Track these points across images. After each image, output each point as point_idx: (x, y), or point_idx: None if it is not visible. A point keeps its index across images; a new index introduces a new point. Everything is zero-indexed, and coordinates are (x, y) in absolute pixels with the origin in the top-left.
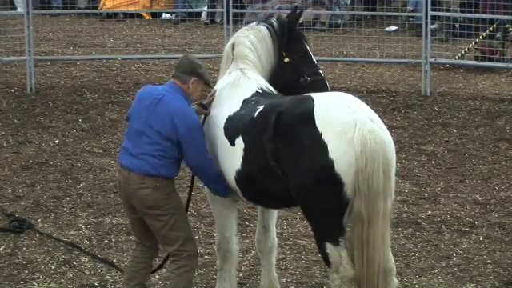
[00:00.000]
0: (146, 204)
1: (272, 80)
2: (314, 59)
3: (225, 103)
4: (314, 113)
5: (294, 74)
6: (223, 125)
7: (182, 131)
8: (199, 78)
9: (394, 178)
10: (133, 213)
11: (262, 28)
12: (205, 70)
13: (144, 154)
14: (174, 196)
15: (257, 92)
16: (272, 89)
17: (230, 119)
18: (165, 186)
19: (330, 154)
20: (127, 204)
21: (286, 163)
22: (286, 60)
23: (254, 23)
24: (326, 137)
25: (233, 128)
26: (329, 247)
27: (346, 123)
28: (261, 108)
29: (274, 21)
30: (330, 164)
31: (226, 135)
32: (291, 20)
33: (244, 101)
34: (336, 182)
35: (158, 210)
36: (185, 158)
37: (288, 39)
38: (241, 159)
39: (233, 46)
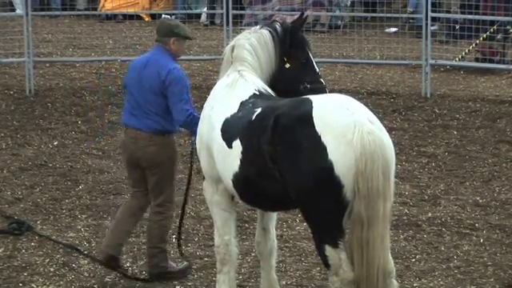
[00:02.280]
0: (152, 161)
1: (273, 85)
2: (315, 66)
3: (222, 105)
4: (313, 115)
5: (294, 80)
6: (220, 127)
7: (167, 83)
8: (177, 36)
9: (393, 179)
10: (135, 168)
11: (265, 32)
12: (181, 28)
13: (148, 114)
14: (175, 158)
15: (254, 94)
16: (270, 90)
17: (227, 121)
18: (169, 145)
19: (329, 156)
20: (131, 161)
21: (285, 165)
22: (287, 66)
23: (257, 27)
24: (325, 139)
25: (230, 130)
26: (328, 250)
27: (345, 125)
28: (259, 110)
29: (277, 25)
30: (329, 166)
31: (224, 137)
32: (295, 25)
33: (241, 103)
34: (335, 183)
35: (160, 168)
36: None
37: (290, 45)
38: (238, 162)
39: (232, 48)
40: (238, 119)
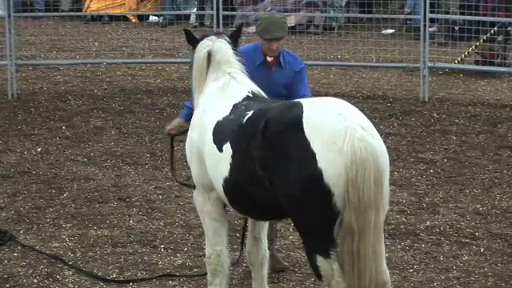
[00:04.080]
0: None
1: None
2: None
3: (214, 108)
4: (303, 120)
5: None
6: (212, 130)
7: None
8: (257, 33)
9: (386, 187)
10: None
11: (224, 41)
12: (262, 26)
13: None
14: None
15: (247, 96)
16: (262, 93)
17: (218, 124)
18: None
19: (318, 164)
20: None
21: (274, 172)
22: None
23: (213, 36)
24: (315, 145)
25: (221, 133)
26: (319, 260)
27: (335, 131)
28: (250, 113)
29: (226, 38)
30: (318, 174)
31: (215, 141)
32: (235, 37)
33: (234, 105)
34: (325, 192)
35: None
36: None
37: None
38: (229, 166)
39: (209, 53)
40: (230, 122)
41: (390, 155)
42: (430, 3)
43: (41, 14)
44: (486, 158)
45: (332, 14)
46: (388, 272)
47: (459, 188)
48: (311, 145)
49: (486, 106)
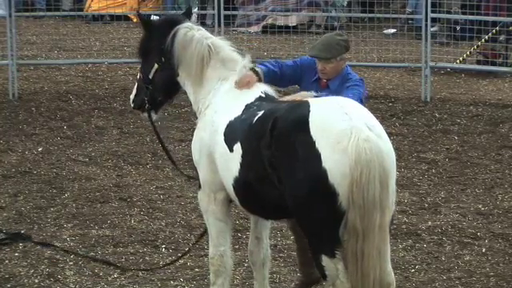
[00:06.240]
0: None
1: None
2: None
3: (226, 108)
4: (309, 119)
5: None
6: (223, 130)
7: None
8: None
9: (392, 188)
10: None
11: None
12: (313, 43)
13: None
14: None
15: (260, 97)
16: (274, 93)
17: (230, 124)
18: None
19: (323, 164)
20: None
21: (281, 171)
22: None
23: (190, 24)
24: (320, 145)
25: (232, 133)
26: (324, 260)
27: (340, 131)
28: (261, 113)
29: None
30: (322, 174)
31: (226, 141)
32: None
33: (246, 106)
34: (330, 192)
35: None
36: None
37: None
38: (239, 166)
39: (209, 48)
40: (241, 122)
41: None
42: (432, 3)
43: (42, 13)
44: (488, 158)
45: (334, 13)
46: (393, 273)
47: (461, 188)
48: (316, 144)
49: (487, 106)
